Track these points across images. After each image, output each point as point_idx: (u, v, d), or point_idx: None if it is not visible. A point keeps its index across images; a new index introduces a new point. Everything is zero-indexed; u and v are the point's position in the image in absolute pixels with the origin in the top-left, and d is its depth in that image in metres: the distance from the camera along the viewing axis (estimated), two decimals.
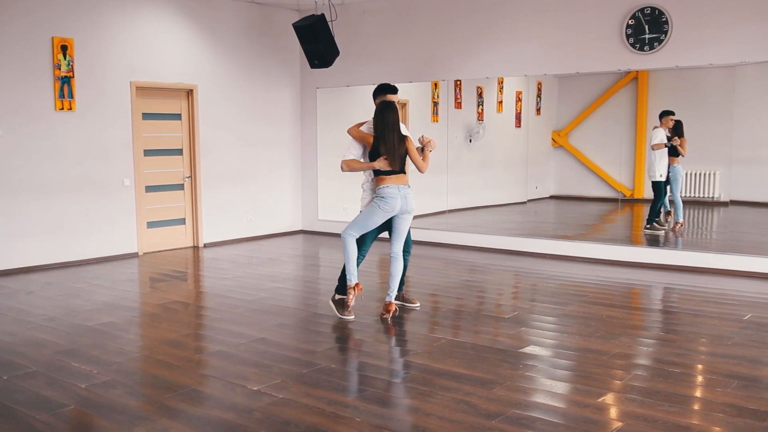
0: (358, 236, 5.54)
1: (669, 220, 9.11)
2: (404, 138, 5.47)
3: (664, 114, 8.77)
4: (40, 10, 7.60)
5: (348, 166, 5.53)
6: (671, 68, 7.69)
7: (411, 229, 5.76)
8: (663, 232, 9.01)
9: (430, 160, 5.65)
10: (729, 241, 8.92)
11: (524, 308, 6.03)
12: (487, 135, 10.77)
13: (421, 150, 5.64)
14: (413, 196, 5.52)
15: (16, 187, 7.55)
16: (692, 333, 5.19)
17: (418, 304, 5.95)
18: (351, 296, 5.52)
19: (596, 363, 4.46)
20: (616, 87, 9.83)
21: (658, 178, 8.79)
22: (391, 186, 5.40)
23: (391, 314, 5.56)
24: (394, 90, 5.68)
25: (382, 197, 5.39)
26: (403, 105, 10.63)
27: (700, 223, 9.60)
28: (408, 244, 5.79)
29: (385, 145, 5.37)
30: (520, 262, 8.18)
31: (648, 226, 9.00)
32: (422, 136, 5.63)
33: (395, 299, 5.71)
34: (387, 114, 5.42)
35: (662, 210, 9.00)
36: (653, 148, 8.75)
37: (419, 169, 5.60)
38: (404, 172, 5.51)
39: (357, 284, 5.54)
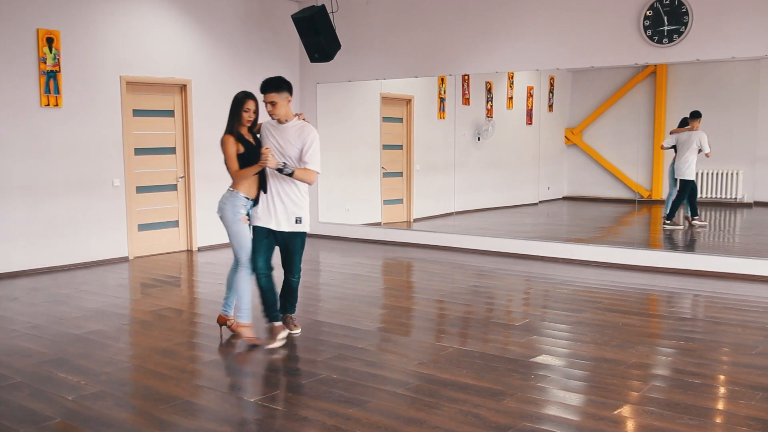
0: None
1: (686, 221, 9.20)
2: None
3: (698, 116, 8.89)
4: (25, 0, 7.63)
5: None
6: (692, 62, 7.68)
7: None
8: (682, 228, 9.11)
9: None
10: (752, 245, 8.91)
11: (536, 315, 6.03)
12: (496, 133, 10.78)
13: None
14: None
15: None
16: (713, 342, 5.18)
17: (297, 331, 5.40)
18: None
19: (612, 373, 4.45)
20: (633, 82, 9.83)
21: (691, 177, 8.87)
22: None
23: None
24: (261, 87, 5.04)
25: None
26: (408, 101, 10.65)
27: (722, 225, 9.59)
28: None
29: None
30: (531, 267, 8.17)
31: (669, 221, 9.11)
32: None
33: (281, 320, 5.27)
34: None
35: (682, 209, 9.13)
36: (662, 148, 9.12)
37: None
38: None
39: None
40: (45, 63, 7.78)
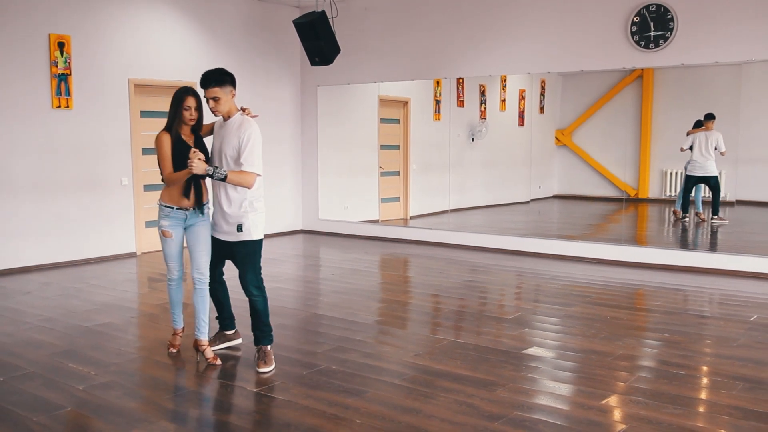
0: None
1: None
2: None
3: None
4: (37, 6, 7.61)
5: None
6: (677, 66, 7.69)
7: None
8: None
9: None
10: (735, 242, 8.92)
11: (527, 309, 6.04)
12: (489, 134, 10.78)
13: None
14: None
15: (13, 186, 7.56)
16: (697, 334, 5.19)
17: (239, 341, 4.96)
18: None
19: (600, 365, 4.47)
20: (621, 85, 9.84)
21: (716, 173, 8.92)
22: None
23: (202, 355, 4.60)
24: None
25: None
26: (405, 103, 10.65)
27: (705, 222, 9.61)
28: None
29: None
30: (523, 263, 8.19)
31: (717, 216, 9.19)
32: None
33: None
34: None
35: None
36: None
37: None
38: None
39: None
40: (56, 66, 7.77)
